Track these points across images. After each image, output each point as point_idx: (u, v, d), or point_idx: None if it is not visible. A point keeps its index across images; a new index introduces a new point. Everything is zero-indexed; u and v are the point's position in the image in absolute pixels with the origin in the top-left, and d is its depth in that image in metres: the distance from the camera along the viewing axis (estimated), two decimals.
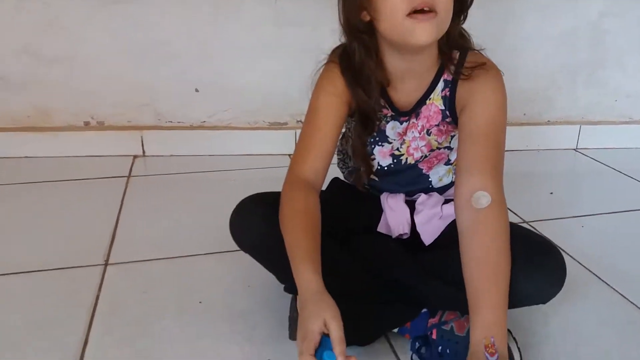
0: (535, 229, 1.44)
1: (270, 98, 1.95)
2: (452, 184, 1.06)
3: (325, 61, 0.98)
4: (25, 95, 1.83)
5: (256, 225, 0.94)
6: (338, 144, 1.04)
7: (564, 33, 2.00)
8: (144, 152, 1.92)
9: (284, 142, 1.97)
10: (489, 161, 0.86)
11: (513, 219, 1.47)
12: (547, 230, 1.42)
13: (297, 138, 1.91)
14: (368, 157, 1.01)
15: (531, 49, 2.01)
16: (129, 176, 1.74)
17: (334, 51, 0.98)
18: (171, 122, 1.93)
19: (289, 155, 1.97)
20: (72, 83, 1.84)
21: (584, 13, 1.98)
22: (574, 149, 2.13)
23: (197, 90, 1.91)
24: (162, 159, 1.91)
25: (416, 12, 0.79)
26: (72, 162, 1.84)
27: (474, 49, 0.93)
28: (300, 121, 1.95)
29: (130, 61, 1.84)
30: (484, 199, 0.79)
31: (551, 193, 1.67)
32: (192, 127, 1.94)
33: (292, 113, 1.98)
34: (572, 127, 2.11)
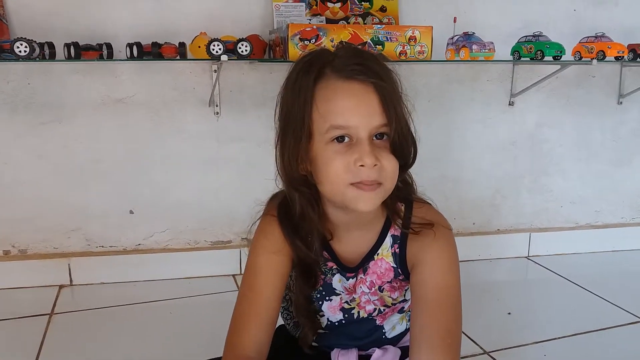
0: None
1: (212, 216, 1.85)
2: (406, 331, 0.97)
3: (262, 212, 0.90)
4: None
5: None
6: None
7: (504, 143, 2.03)
8: (71, 281, 1.74)
9: (228, 262, 1.85)
10: (440, 334, 0.78)
11: (473, 349, 1.39)
12: None
13: (242, 259, 1.84)
14: (313, 314, 0.91)
15: (474, 160, 2.02)
16: (51, 314, 1.55)
17: (271, 200, 0.91)
18: (102, 247, 1.78)
19: (233, 275, 1.84)
20: None
21: (522, 124, 2.03)
22: (526, 257, 2.10)
23: (131, 212, 1.78)
24: (91, 288, 1.73)
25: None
26: None
27: (419, 199, 0.87)
28: (246, 239, 1.84)
29: (59, 183, 1.72)
30: None
31: (509, 313, 1.60)
32: (125, 252, 1.79)
33: (236, 231, 1.88)
34: (522, 234, 2.10)
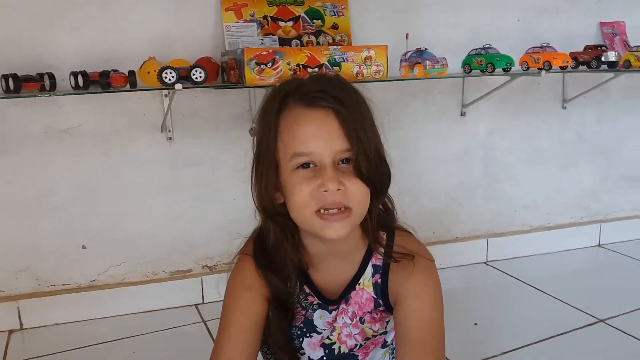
0: None
1: (170, 244, 1.78)
2: None
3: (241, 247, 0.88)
4: None
5: None
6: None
7: (457, 153, 2.07)
8: (21, 325, 1.64)
9: (190, 292, 1.79)
10: None
11: None
12: None
13: (204, 287, 1.79)
14: (292, 350, 0.89)
15: (429, 171, 2.04)
16: None
17: (251, 235, 0.89)
18: (54, 285, 1.68)
19: (196, 305, 1.78)
20: None
21: (473, 133, 2.07)
22: (485, 262, 2.14)
23: (84, 247, 1.69)
24: (44, 331, 1.63)
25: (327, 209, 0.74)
26: None
27: (401, 228, 0.87)
28: (207, 266, 1.79)
29: (3, 221, 1.61)
30: None
31: (475, 324, 1.63)
32: (79, 289, 1.70)
33: (196, 259, 1.81)
34: (480, 240, 2.14)
